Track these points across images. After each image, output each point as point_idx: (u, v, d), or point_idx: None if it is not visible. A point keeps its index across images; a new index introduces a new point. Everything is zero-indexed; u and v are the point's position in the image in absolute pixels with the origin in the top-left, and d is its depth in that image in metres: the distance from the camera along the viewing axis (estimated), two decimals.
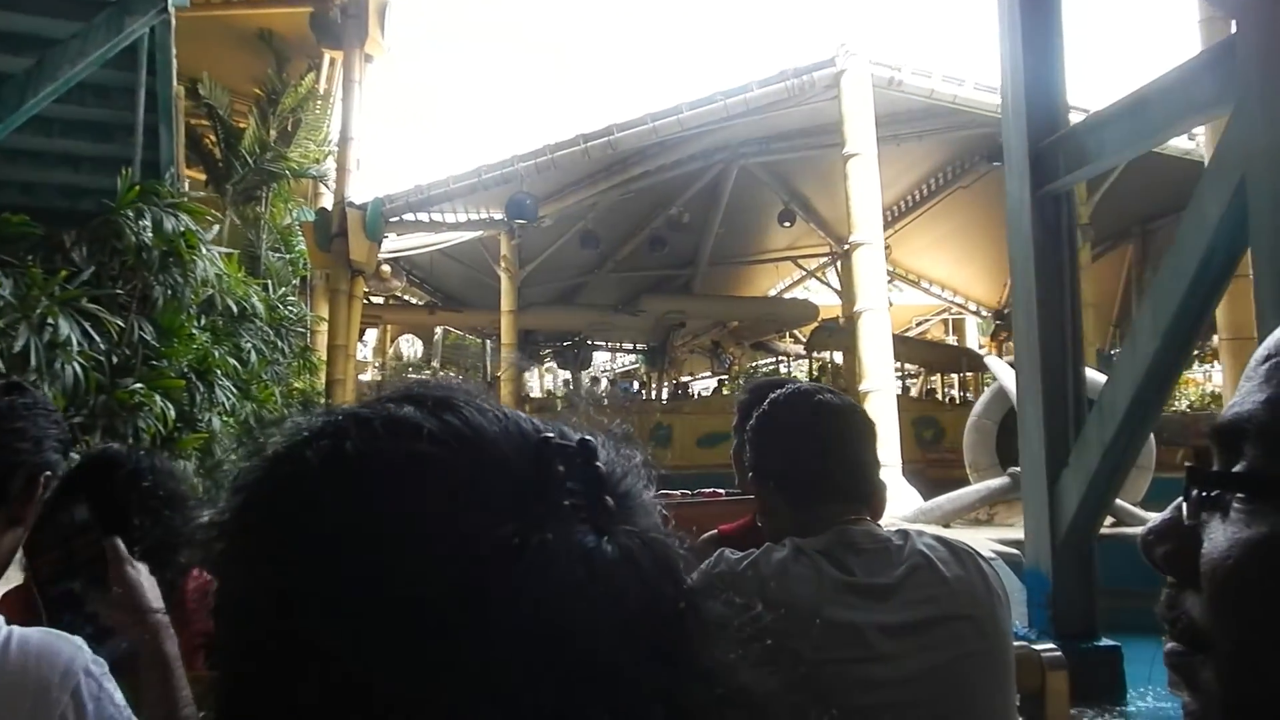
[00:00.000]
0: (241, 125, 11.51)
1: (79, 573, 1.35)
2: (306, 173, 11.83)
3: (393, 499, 0.39)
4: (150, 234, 5.14)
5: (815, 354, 20.63)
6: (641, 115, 9.70)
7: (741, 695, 0.40)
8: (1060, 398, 3.50)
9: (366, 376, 20.54)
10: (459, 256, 16.10)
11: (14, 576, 1.30)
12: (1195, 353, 21.82)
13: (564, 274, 17.49)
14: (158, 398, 5.20)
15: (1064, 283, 3.52)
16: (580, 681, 0.36)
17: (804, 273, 20.66)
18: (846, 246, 18.63)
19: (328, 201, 11.74)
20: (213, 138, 11.63)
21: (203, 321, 6.64)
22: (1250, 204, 2.42)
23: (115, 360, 5.30)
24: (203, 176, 11.57)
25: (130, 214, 5.08)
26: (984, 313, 22.07)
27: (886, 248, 9.87)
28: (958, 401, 20.38)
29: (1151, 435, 4.82)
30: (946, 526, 5.50)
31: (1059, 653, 2.07)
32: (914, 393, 20.81)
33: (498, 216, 13.37)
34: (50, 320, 4.38)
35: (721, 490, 3.70)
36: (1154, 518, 0.48)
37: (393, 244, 13.69)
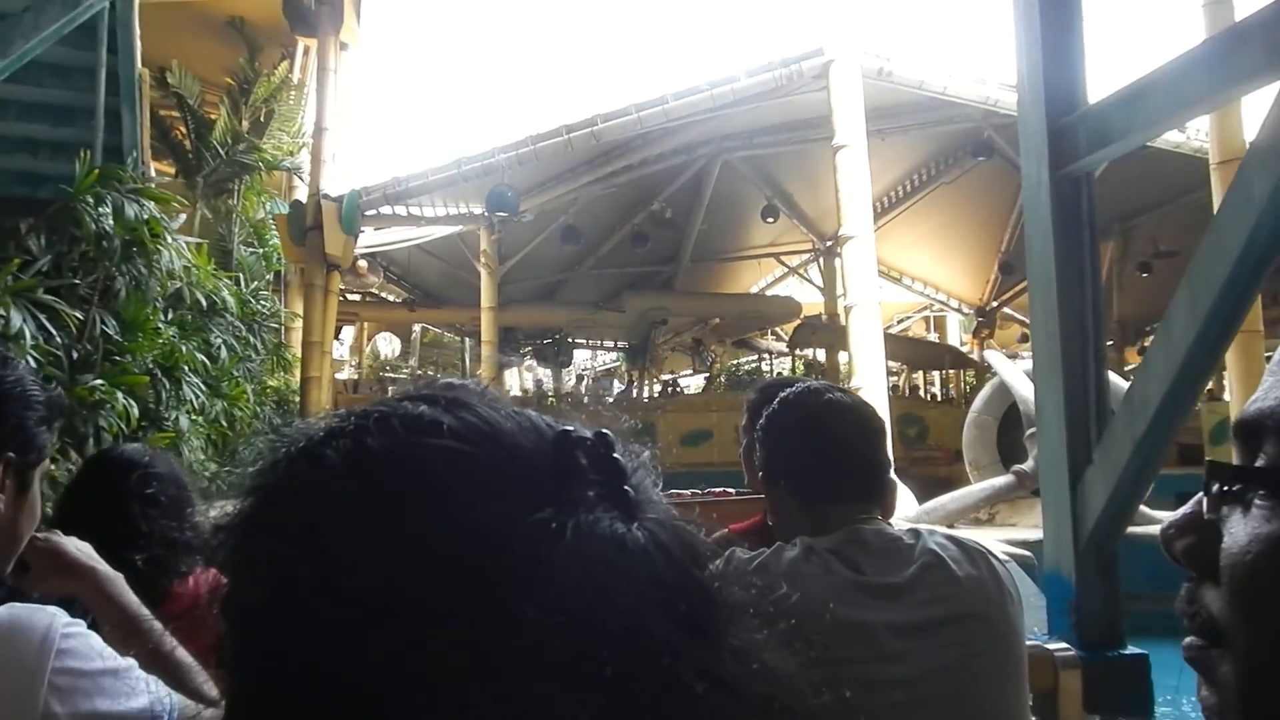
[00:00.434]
0: (212, 116, 11.16)
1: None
2: (280, 165, 11.50)
3: (424, 492, 0.40)
4: (111, 221, 4.84)
5: (798, 351, 20.50)
6: (626, 105, 9.46)
7: (770, 673, 0.41)
8: (1081, 391, 3.30)
9: (343, 375, 20.20)
10: (437, 252, 15.79)
11: None
12: None
13: (545, 270, 17.22)
14: (120, 395, 4.91)
15: (1085, 269, 3.32)
16: (630, 654, 0.37)
17: (786, 269, 20.54)
18: (830, 243, 18.65)
19: (302, 195, 11.42)
20: (183, 129, 11.27)
21: (170, 315, 6.34)
22: None
23: (75, 355, 5.00)
24: (172, 170, 11.22)
25: (90, 200, 4.78)
26: (966, 310, 22.02)
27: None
28: (939, 399, 20.36)
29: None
30: (950, 527, 5.32)
31: (1072, 652, 2.03)
32: (897, 390, 20.69)
33: (478, 210, 13.08)
34: (1, 311, 4.08)
35: (731, 490, 3.60)
36: (1173, 513, 0.48)
37: (370, 239, 13.35)
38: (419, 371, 23.38)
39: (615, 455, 0.43)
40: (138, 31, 5.52)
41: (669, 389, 21.91)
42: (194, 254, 6.77)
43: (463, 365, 24.13)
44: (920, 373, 21.82)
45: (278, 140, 11.65)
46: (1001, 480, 5.04)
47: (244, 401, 7.12)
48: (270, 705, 0.39)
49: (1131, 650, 3.23)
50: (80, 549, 1.24)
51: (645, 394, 20.69)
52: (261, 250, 11.31)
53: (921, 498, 5.80)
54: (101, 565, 1.24)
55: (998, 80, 9.83)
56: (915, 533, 1.29)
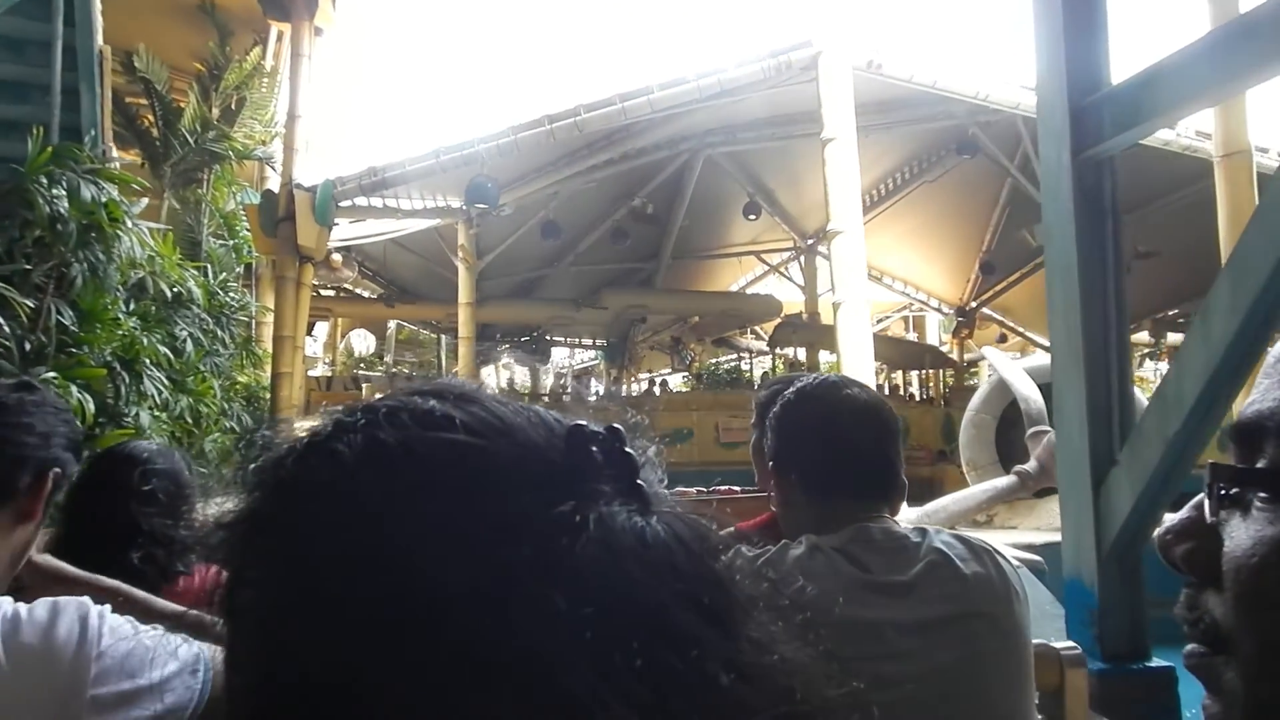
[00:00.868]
0: (181, 103, 10.78)
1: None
2: (252, 154, 11.11)
3: (444, 486, 0.40)
4: (66, 204, 4.53)
5: (778, 350, 20.38)
6: (610, 95, 9.21)
7: (790, 665, 0.41)
8: (1104, 387, 3.11)
9: (317, 372, 19.80)
10: (414, 247, 15.48)
11: None
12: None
13: (523, 266, 16.94)
14: (75, 389, 4.60)
15: (1108, 258, 3.13)
16: (660, 645, 0.37)
17: (767, 268, 20.42)
18: (811, 241, 18.55)
19: (275, 186, 11.06)
20: (150, 116, 10.88)
21: (132, 306, 6.03)
22: None
23: (28, 347, 4.69)
24: (139, 158, 10.82)
25: (43, 181, 4.47)
26: (946, 310, 21.99)
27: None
28: (920, 399, 20.30)
29: None
30: (951, 529, 5.13)
31: (1078, 650, 1.97)
32: (878, 390, 20.61)
33: (456, 204, 12.78)
34: None
35: (737, 487, 3.49)
36: (1171, 517, 0.48)
37: (345, 232, 13.03)
38: (395, 369, 23.07)
39: (628, 450, 0.44)
40: (98, 4, 5.22)
41: (656, 387, 21.67)
42: (158, 241, 6.46)
43: (439, 362, 23.81)
44: (900, 372, 21.77)
45: (249, 129, 11.27)
46: (1004, 481, 4.83)
47: (210, 397, 6.81)
48: (280, 703, 0.38)
49: (1157, 663, 3.05)
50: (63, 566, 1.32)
51: (625, 392, 20.45)
52: (232, 242, 10.94)
53: (936, 499, 5.65)
54: (95, 577, 1.32)
55: (988, 73, 9.74)
56: (922, 531, 1.27)
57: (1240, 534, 0.43)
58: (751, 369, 24.07)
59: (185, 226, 10.49)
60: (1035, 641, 1.31)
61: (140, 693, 0.96)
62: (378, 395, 0.47)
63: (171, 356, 5.97)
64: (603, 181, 13.59)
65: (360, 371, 21.75)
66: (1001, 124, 13.25)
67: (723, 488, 3.78)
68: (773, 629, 0.43)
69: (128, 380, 5.19)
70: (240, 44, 11.24)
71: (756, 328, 22.27)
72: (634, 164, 13.39)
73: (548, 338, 21.74)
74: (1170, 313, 19.11)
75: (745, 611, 0.42)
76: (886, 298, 22.52)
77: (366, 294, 18.40)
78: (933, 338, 26.10)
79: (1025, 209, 14.84)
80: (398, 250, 15.50)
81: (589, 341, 23.11)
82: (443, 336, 22.70)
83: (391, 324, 23.15)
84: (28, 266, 4.66)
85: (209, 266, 8.58)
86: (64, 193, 4.49)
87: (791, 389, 1.40)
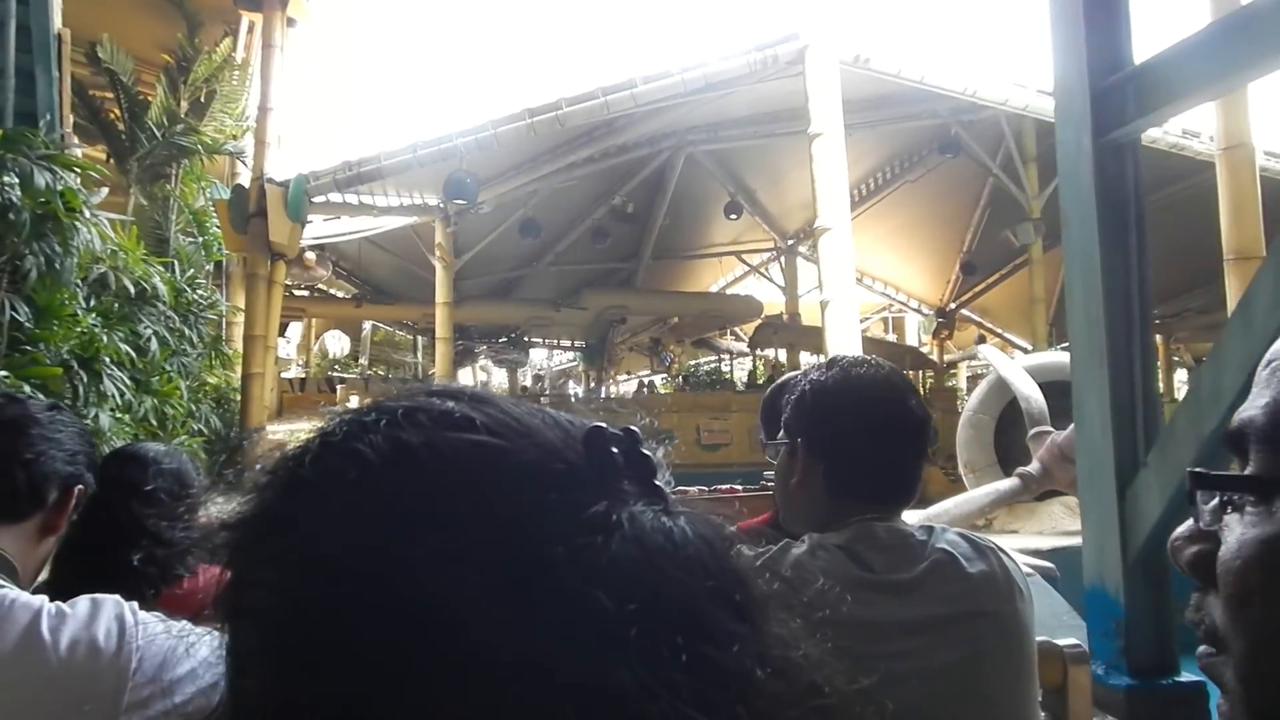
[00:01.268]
0: (148, 96, 10.43)
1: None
2: (222, 149, 10.79)
3: (475, 486, 0.40)
4: (19, 192, 4.25)
5: (759, 351, 20.24)
6: (593, 89, 8.98)
7: (815, 660, 0.42)
8: (1128, 385, 2.94)
9: (290, 374, 19.41)
10: (389, 246, 15.15)
11: None
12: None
13: (502, 266, 16.66)
14: (28, 389, 4.32)
15: (1131, 248, 2.96)
16: (700, 640, 0.37)
17: (748, 268, 20.27)
18: (791, 241, 18.43)
19: (246, 181, 10.73)
20: (115, 111, 10.52)
21: (92, 303, 5.74)
22: None
23: None
24: (104, 153, 10.45)
25: None
26: (926, 311, 21.94)
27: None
28: None
29: None
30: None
31: (1082, 647, 1.93)
32: None
33: (433, 202, 12.50)
34: None
35: (739, 487, 3.36)
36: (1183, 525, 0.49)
37: (318, 229, 12.69)
38: (370, 371, 22.71)
39: (645, 451, 0.44)
40: None
41: (645, 389, 21.42)
42: (121, 235, 6.17)
43: (415, 364, 23.48)
44: None
45: (219, 123, 10.94)
46: (1006, 484, 4.69)
47: (177, 398, 6.52)
48: (304, 706, 0.37)
49: (1187, 677, 2.87)
50: None
51: (611, 394, 20.24)
52: (201, 239, 10.61)
53: (938, 503, 5.50)
54: None
55: (975, 69, 9.62)
56: (928, 529, 1.25)
57: (1230, 537, 0.44)
58: (732, 370, 23.94)
59: (152, 223, 10.15)
60: (1038, 639, 1.29)
61: (175, 684, 0.98)
62: (386, 396, 0.46)
63: (134, 355, 5.68)
64: (583, 179, 13.34)
65: (335, 374, 21.35)
66: (984, 123, 13.16)
67: (724, 487, 3.70)
68: (792, 625, 0.43)
69: (86, 380, 4.90)
70: (210, 35, 10.91)
71: (736, 329, 22.13)
72: (615, 161, 13.17)
73: (526, 339, 21.47)
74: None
75: (767, 609, 0.42)
76: (866, 299, 22.42)
77: (341, 294, 18.04)
78: (912, 339, 26.09)
79: (1007, 209, 14.77)
80: (373, 249, 15.16)
81: (568, 343, 22.86)
82: (419, 338, 22.36)
83: (367, 325, 22.80)
84: None
85: (176, 263, 8.25)
86: (15, 180, 4.21)
87: (835, 371, 1.32)
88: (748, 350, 21.77)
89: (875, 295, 21.98)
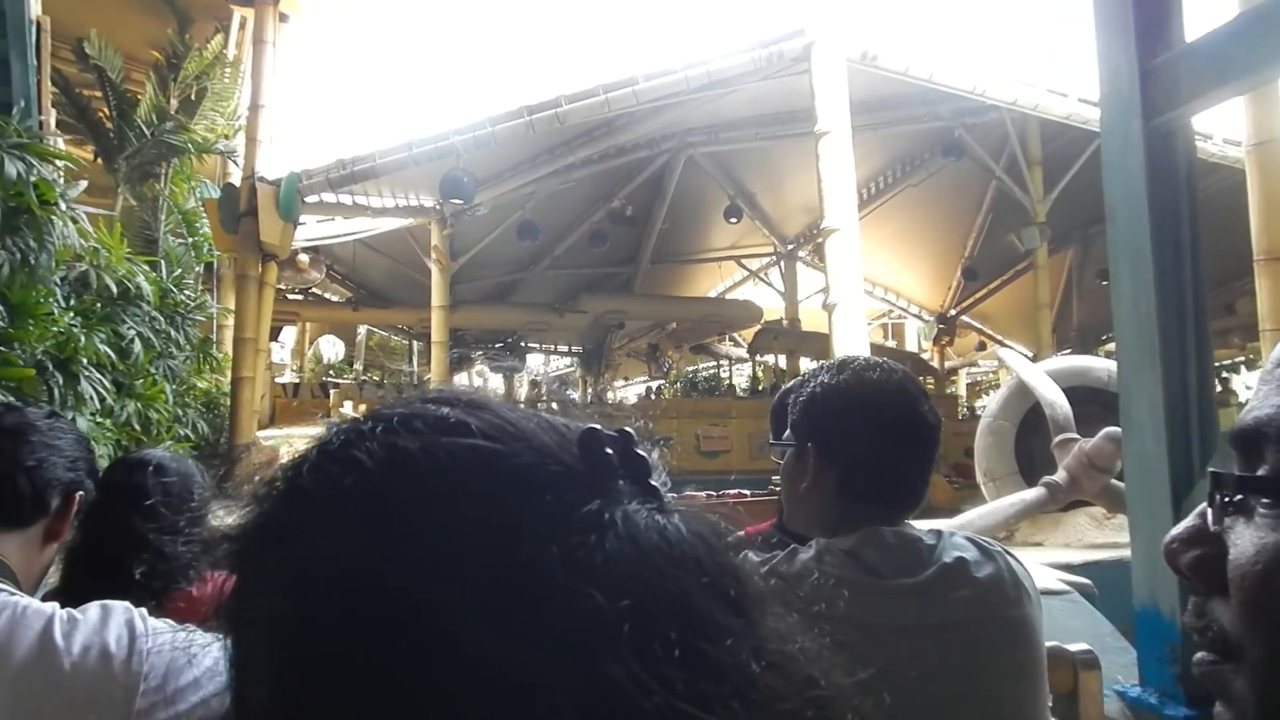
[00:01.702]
0: (137, 94, 10.18)
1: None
2: (213, 148, 10.54)
3: (470, 490, 0.40)
4: None
5: (758, 357, 20.02)
6: (593, 86, 8.76)
7: (812, 655, 0.42)
8: (1182, 388, 2.70)
9: (284, 379, 19.15)
10: (384, 249, 14.92)
11: None
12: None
13: (499, 270, 16.43)
14: (0, 392, 4.09)
15: (1184, 239, 2.74)
16: (695, 635, 0.38)
17: (747, 273, 20.08)
18: (791, 246, 18.24)
19: (238, 181, 10.48)
20: (104, 110, 10.27)
21: (71, 301, 5.49)
22: None
23: None
24: (91, 153, 10.20)
25: None
26: (927, 316, 21.76)
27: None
28: None
29: None
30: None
31: (1092, 652, 1.89)
32: None
33: (429, 203, 12.27)
34: None
35: (747, 491, 3.33)
36: (1177, 527, 0.49)
37: (311, 231, 12.44)
38: (364, 377, 22.46)
39: (639, 452, 0.44)
40: None
41: (652, 395, 21.14)
42: (102, 232, 5.93)
43: (411, 370, 23.22)
44: None
45: (210, 121, 10.71)
46: (1032, 494, 4.48)
47: (162, 402, 6.26)
48: (309, 712, 0.38)
49: None
50: None
51: (606, 399, 20.01)
52: (191, 240, 10.35)
53: (961, 514, 5.30)
54: None
55: (982, 69, 9.42)
56: (936, 533, 1.24)
57: (1244, 541, 0.43)
58: (730, 376, 23.73)
59: (141, 224, 9.90)
60: (1048, 644, 1.27)
61: (181, 691, 0.98)
62: (384, 404, 0.46)
63: (115, 357, 5.43)
64: (581, 181, 13.13)
65: (329, 379, 21.09)
66: (988, 125, 12.99)
67: (732, 491, 3.75)
68: (789, 620, 0.44)
69: (62, 382, 4.65)
70: (201, 31, 10.69)
71: (735, 334, 21.92)
72: (614, 163, 12.97)
73: (523, 344, 21.22)
74: None
75: (764, 604, 0.43)
76: (866, 304, 22.17)
77: (335, 298, 17.78)
78: (911, 345, 25.91)
79: (1011, 213, 14.60)
80: (368, 252, 14.92)
81: (565, 348, 22.63)
82: (414, 343, 22.12)
83: (361, 330, 22.54)
84: None
85: (163, 262, 8.00)
86: None
87: (847, 375, 1.29)
88: (746, 356, 21.54)
89: (875, 301, 21.78)
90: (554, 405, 0.52)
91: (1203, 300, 2.77)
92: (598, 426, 0.44)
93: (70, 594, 1.21)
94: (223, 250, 10.33)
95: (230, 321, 10.64)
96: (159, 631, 1.02)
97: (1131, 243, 2.82)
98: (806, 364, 17.13)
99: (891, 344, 25.31)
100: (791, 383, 1.43)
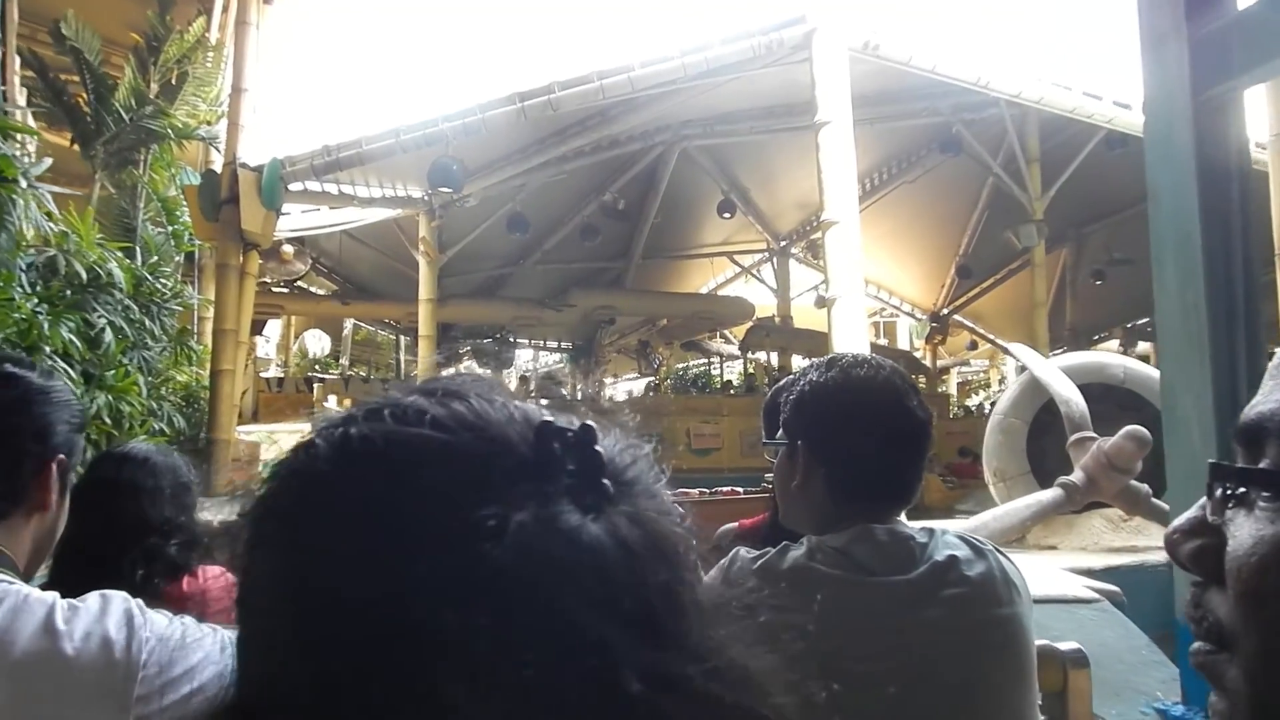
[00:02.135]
0: (116, 78, 9.87)
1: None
2: (194, 134, 10.23)
3: (385, 482, 0.40)
4: None
5: (750, 354, 19.82)
6: (588, 73, 8.51)
7: (733, 670, 0.41)
8: (1230, 382, 2.48)
9: (269, 374, 18.84)
10: (371, 241, 14.62)
11: None
12: None
13: (488, 263, 16.16)
14: None
15: (1235, 223, 2.53)
16: (558, 653, 0.37)
17: (739, 270, 19.88)
18: (784, 243, 18.05)
19: (219, 168, 10.18)
20: (82, 95, 9.95)
21: (38, 288, 5.22)
22: None
23: None
24: (67, 139, 9.88)
25: None
26: (919, 315, 21.61)
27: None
28: None
29: None
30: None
31: (1082, 650, 1.87)
32: None
33: (417, 194, 11.99)
34: None
35: (740, 489, 3.14)
36: (1179, 518, 0.49)
37: (296, 221, 12.13)
38: (350, 371, 22.15)
39: (596, 448, 0.43)
40: None
41: (652, 391, 20.89)
42: (71, 217, 5.65)
43: (397, 364, 22.92)
44: None
45: (192, 106, 10.40)
46: (1048, 495, 4.29)
47: (135, 394, 5.98)
48: (263, 693, 0.40)
49: None
50: None
51: (600, 394, 19.72)
52: (171, 229, 10.05)
53: (975, 516, 5.09)
54: None
55: (985, 60, 9.22)
56: (929, 531, 1.23)
57: (1242, 533, 0.44)
58: (721, 373, 23.53)
59: (119, 211, 9.60)
60: (1038, 642, 1.27)
61: (182, 678, 0.99)
62: (373, 396, 0.46)
63: (83, 347, 5.15)
64: (573, 173, 12.87)
65: (315, 374, 20.77)
66: (986, 121, 12.82)
67: (724, 490, 3.53)
68: (736, 634, 0.42)
69: None
70: (183, 13, 10.37)
71: (726, 331, 21.71)
72: (606, 155, 12.71)
73: (512, 339, 20.96)
74: (1141, 321, 18.90)
75: (696, 618, 0.41)
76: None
77: (321, 291, 17.47)
78: (903, 344, 25.78)
79: (1006, 210, 14.43)
80: (354, 243, 14.62)
81: (555, 344, 22.37)
82: (401, 337, 21.81)
83: (348, 323, 22.22)
84: None
85: (139, 250, 7.71)
86: None
87: (835, 372, 1.29)
88: (738, 353, 21.34)
89: (867, 299, 21.61)
90: (543, 401, 0.48)
91: (1256, 291, 2.56)
92: (550, 419, 0.43)
93: (61, 589, 1.17)
94: (203, 238, 10.02)
95: (211, 313, 10.35)
96: (155, 620, 1.03)
97: (1178, 227, 2.61)
98: (798, 361, 16.95)
99: (883, 342, 25.18)
100: (784, 381, 1.42)
